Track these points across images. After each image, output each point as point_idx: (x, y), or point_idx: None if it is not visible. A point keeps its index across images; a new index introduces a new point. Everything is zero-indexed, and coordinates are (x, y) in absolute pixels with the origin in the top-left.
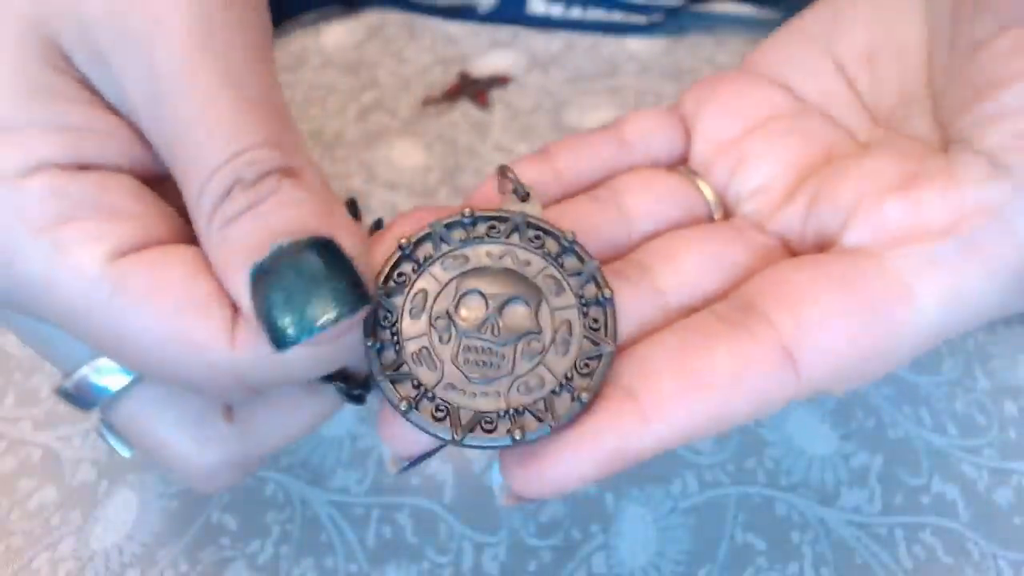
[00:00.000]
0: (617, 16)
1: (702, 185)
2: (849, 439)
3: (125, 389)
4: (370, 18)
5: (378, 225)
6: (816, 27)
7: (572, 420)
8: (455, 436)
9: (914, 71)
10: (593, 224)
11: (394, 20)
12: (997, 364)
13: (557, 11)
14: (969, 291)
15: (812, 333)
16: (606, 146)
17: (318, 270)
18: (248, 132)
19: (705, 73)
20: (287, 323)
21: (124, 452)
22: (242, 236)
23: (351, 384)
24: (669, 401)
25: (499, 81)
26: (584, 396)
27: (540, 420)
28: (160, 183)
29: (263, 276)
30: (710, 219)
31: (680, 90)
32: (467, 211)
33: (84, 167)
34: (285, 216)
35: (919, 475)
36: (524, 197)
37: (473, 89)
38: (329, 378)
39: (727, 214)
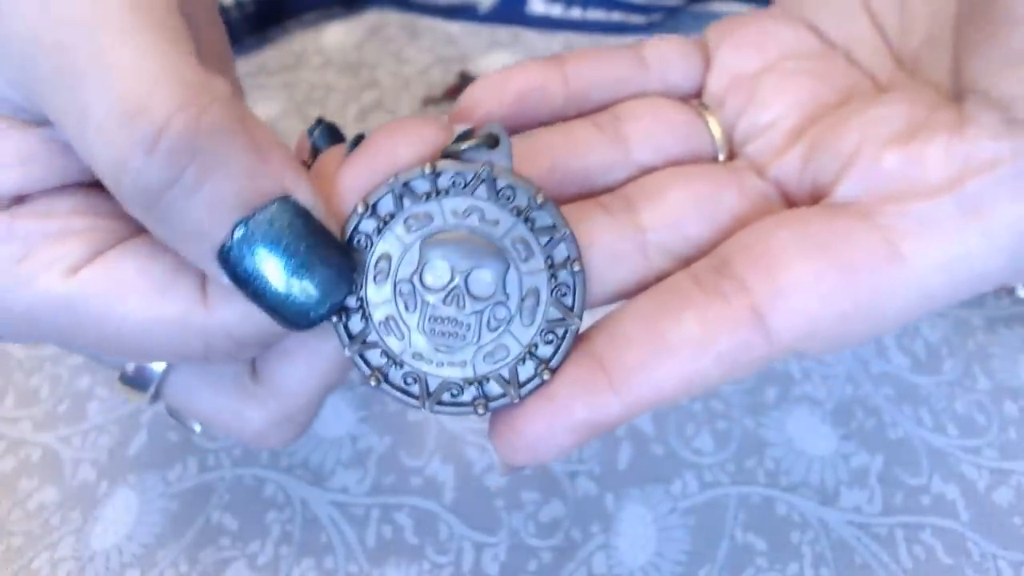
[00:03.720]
0: (617, 16)
1: (711, 121)
2: (849, 439)
3: (166, 370)
4: (370, 18)
5: (359, 139)
6: None
7: (535, 391)
8: (424, 404)
9: (943, 12)
10: (589, 150)
11: (394, 20)
12: (997, 364)
13: (557, 11)
14: (967, 254)
15: (784, 296)
16: (622, 62)
17: (302, 254)
18: (132, 73)
19: None
20: (293, 314)
21: (196, 428)
22: (179, 219)
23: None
24: (635, 371)
25: None
26: (546, 375)
27: (504, 389)
28: None
29: (237, 263)
30: (713, 158)
31: None
32: (427, 166)
33: (21, 199)
34: (219, 184)
35: (919, 475)
36: (493, 143)
37: None
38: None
39: (732, 155)
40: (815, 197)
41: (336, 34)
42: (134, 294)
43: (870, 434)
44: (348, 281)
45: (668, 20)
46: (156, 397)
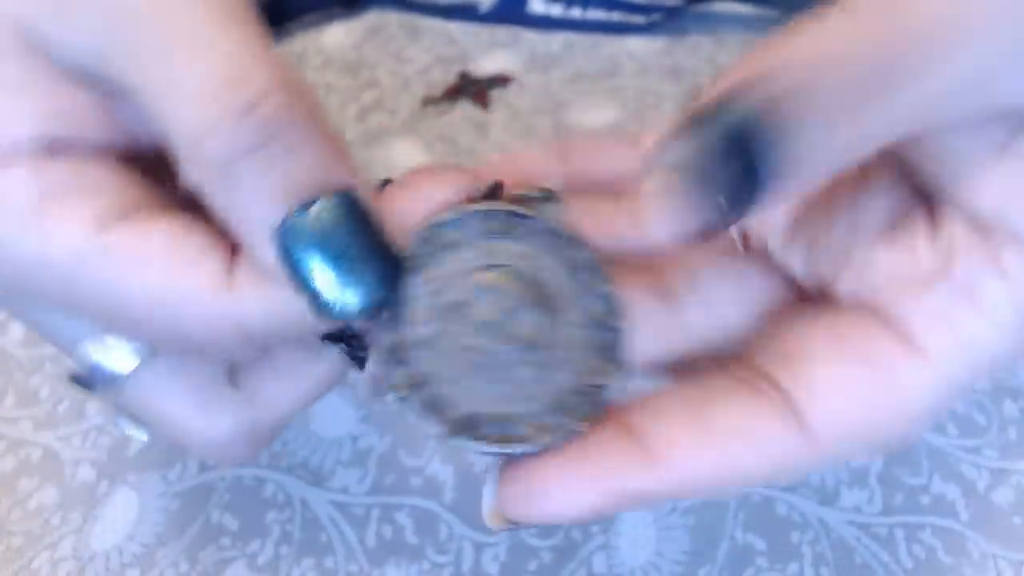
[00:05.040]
0: (617, 16)
1: None
2: None
3: (135, 371)
4: (370, 18)
5: (386, 183)
6: None
7: (559, 444)
8: (442, 433)
9: None
10: (610, 223)
11: (394, 20)
12: None
13: (557, 11)
14: (975, 338)
15: (823, 398)
16: (628, 150)
17: (355, 247)
18: (233, 61)
19: (705, 73)
20: (334, 302)
21: (141, 436)
22: (253, 189)
23: (355, 346)
24: (677, 445)
25: (499, 81)
26: (577, 427)
27: (527, 436)
28: (148, 162)
29: (292, 243)
30: (733, 246)
31: (680, 90)
32: (498, 206)
33: (59, 149)
34: (299, 163)
35: (919, 475)
36: (550, 198)
37: (473, 89)
38: (331, 338)
39: (747, 241)
40: (823, 291)
41: (336, 34)
42: (159, 261)
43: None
44: (392, 281)
45: (668, 20)
46: (109, 390)
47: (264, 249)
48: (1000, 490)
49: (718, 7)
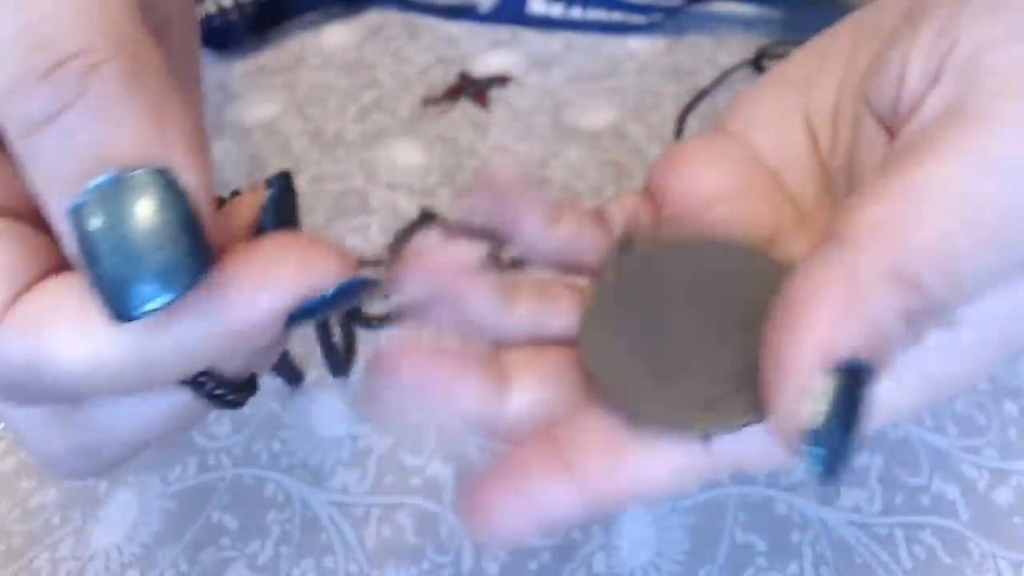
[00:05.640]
0: (617, 16)
1: None
2: None
3: None
4: (370, 18)
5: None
6: (798, 75)
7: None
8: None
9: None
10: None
11: (394, 20)
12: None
13: (557, 11)
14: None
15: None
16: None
17: (151, 225)
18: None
19: (705, 73)
20: (117, 295)
21: None
22: (51, 160)
23: (204, 383)
24: (596, 466)
25: (499, 81)
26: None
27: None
28: None
29: (84, 222)
30: None
31: (680, 90)
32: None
33: None
34: (99, 132)
35: (919, 475)
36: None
37: (473, 89)
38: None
39: None
40: None
41: (336, 34)
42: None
43: (870, 434)
44: (196, 279)
45: (668, 20)
46: None
47: (64, 232)
48: (1000, 490)
49: (718, 7)
